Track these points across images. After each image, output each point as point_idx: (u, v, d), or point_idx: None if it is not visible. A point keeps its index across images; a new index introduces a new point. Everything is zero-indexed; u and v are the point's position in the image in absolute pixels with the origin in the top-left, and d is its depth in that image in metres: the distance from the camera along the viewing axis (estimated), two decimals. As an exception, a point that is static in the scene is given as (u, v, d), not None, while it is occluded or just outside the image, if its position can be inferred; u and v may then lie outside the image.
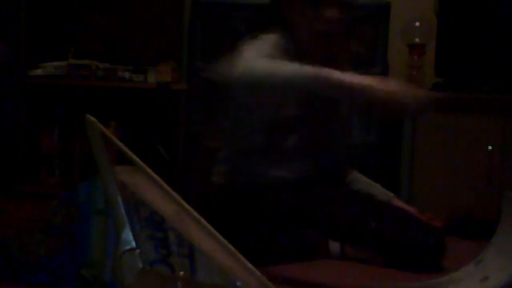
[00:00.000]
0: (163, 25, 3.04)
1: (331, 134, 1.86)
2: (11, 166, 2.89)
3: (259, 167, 1.78)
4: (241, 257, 0.80)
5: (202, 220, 0.82)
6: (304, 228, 1.83)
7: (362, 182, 1.96)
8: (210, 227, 0.81)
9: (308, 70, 1.38)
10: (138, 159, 0.86)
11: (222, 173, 1.87)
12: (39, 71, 2.87)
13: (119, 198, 0.92)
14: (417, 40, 2.81)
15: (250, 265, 0.80)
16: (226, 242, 0.81)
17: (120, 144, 0.86)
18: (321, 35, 1.68)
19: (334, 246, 1.83)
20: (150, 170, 0.85)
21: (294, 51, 1.68)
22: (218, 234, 0.81)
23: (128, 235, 0.91)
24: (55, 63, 2.89)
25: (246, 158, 1.80)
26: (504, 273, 1.20)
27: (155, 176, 0.85)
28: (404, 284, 1.56)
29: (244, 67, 1.43)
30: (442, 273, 1.58)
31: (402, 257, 1.74)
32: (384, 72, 2.78)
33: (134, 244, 0.91)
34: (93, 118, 0.89)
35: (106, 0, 3.10)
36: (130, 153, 0.86)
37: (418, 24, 2.83)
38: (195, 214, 0.82)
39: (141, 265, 0.90)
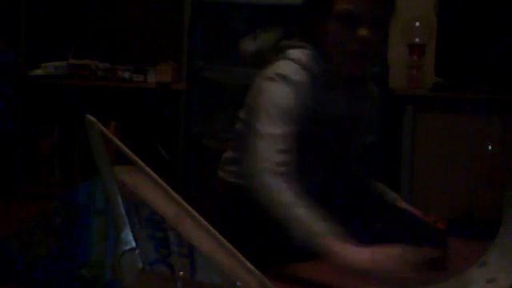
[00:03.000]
0: (163, 25, 3.04)
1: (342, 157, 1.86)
2: (11, 166, 2.89)
3: None
4: (241, 257, 0.80)
5: (202, 220, 0.82)
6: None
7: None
8: (210, 227, 0.81)
9: (324, 242, 1.33)
10: (138, 159, 0.86)
11: (234, 172, 1.84)
12: (39, 71, 2.87)
13: (119, 198, 0.92)
14: (417, 40, 2.81)
15: (249, 265, 0.79)
16: (226, 242, 0.80)
17: (120, 144, 0.86)
18: (354, 55, 1.61)
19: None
20: (150, 170, 0.85)
21: (323, 68, 1.65)
22: (218, 234, 0.81)
23: (128, 235, 0.91)
24: (55, 63, 2.89)
25: None
26: (510, 274, 1.19)
27: (155, 176, 0.85)
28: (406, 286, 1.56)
29: (266, 187, 1.39)
30: (442, 273, 1.58)
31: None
32: (384, 72, 2.78)
33: (133, 244, 0.91)
34: (93, 118, 0.89)
35: (106, 0, 3.10)
36: (130, 153, 0.86)
37: (417, 24, 2.83)
38: (195, 214, 0.82)
39: (141, 265, 0.90)
